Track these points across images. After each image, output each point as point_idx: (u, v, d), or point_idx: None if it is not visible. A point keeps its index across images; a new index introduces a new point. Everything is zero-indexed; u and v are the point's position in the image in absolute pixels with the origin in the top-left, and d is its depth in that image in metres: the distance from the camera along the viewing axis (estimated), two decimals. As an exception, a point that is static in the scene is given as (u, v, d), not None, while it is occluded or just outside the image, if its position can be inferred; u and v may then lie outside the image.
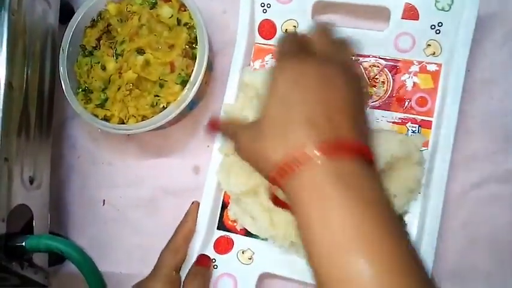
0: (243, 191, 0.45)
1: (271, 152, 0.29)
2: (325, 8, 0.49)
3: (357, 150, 0.28)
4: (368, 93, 0.33)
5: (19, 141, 0.46)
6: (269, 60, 0.51)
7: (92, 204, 0.55)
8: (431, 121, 0.46)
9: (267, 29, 0.50)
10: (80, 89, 0.51)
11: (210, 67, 0.51)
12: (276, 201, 0.38)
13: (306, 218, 0.28)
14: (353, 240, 0.26)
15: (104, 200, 0.55)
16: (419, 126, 0.47)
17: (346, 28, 0.48)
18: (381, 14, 0.48)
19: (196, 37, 0.47)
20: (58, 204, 0.55)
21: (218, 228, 0.49)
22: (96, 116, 0.49)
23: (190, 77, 0.46)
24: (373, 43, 0.48)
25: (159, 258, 0.46)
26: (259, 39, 0.51)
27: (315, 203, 0.27)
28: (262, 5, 0.50)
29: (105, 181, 0.55)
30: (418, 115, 0.47)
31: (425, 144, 0.46)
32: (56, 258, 0.53)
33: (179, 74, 0.48)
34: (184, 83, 0.47)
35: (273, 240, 0.46)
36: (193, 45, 0.48)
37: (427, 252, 0.42)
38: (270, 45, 0.51)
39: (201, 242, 0.47)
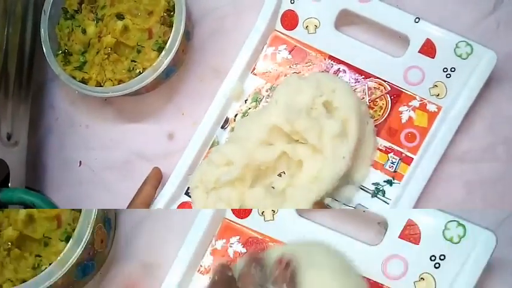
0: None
1: None
2: (349, 17, 0.49)
3: None
4: None
5: (-2, 98, 0.47)
6: (282, 51, 0.51)
7: (69, 165, 0.56)
8: (413, 158, 0.47)
9: (289, 19, 0.50)
10: (60, 51, 0.52)
11: (187, 36, 0.52)
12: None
13: None
14: None
15: (80, 162, 0.56)
16: (400, 159, 0.47)
17: (364, 44, 0.49)
18: (401, 41, 0.48)
19: (175, 5, 0.48)
20: (35, 164, 0.57)
21: (186, 194, 0.50)
22: (74, 78, 0.50)
23: (166, 44, 0.48)
24: (385, 67, 0.48)
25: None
26: (279, 27, 0.51)
27: None
28: None
29: (82, 143, 0.56)
30: (403, 149, 0.47)
31: (399, 178, 0.47)
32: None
33: (156, 40, 0.49)
34: (160, 49, 0.48)
35: None
36: (171, 13, 0.49)
37: None
38: (287, 36, 0.50)
39: (165, 203, 0.49)
